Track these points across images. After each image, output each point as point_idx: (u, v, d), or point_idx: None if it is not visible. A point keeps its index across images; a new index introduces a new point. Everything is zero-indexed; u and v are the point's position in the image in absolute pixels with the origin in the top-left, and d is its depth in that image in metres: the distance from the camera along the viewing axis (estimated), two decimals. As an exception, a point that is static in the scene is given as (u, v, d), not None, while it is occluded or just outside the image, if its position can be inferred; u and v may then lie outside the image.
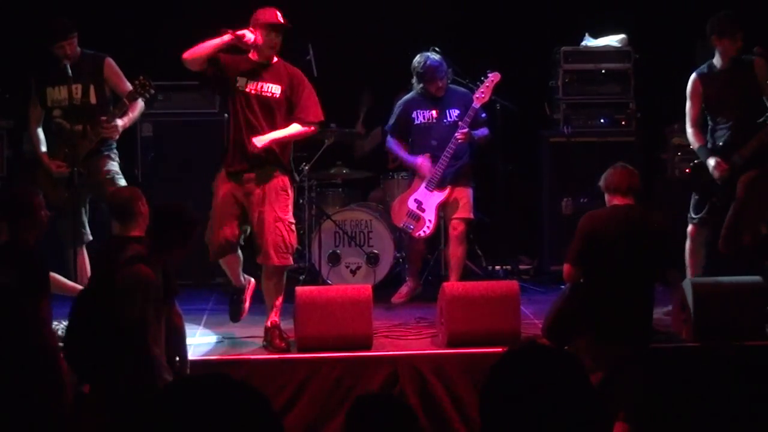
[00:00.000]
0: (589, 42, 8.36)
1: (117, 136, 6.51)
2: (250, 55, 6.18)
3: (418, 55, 7.30)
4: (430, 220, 7.26)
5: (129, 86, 6.39)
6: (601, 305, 5.36)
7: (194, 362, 5.59)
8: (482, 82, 7.14)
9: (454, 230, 7.27)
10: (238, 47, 6.13)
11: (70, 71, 6.36)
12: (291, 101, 6.17)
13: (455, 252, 7.25)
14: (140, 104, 6.57)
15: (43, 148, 6.57)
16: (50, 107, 6.55)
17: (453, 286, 6.22)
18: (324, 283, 7.46)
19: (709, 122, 6.72)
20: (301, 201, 8.05)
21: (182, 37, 8.78)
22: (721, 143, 6.55)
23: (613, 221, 5.49)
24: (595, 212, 5.63)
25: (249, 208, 6.09)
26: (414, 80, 7.42)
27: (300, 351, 5.84)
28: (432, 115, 7.34)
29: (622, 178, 5.62)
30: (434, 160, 7.22)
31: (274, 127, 6.10)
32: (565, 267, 5.58)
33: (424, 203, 7.26)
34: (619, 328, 5.34)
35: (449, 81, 7.38)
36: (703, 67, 6.69)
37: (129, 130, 7.21)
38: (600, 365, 5.08)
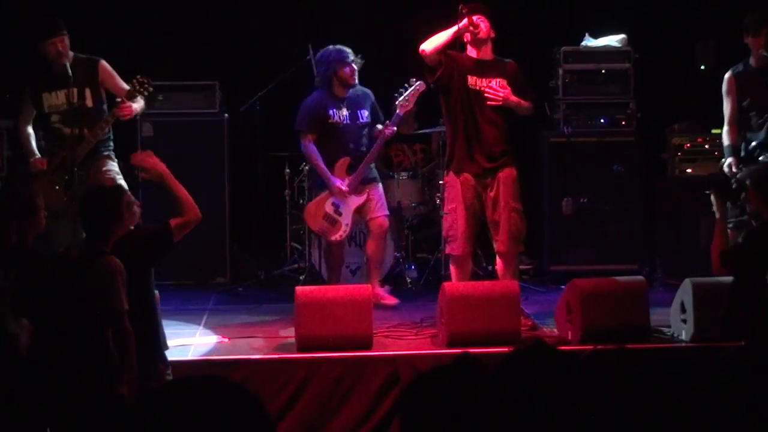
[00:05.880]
0: (589, 42, 8.36)
1: (130, 116, 6.45)
2: (469, 53, 6.45)
3: (320, 51, 7.16)
4: (346, 224, 7.14)
5: (125, 86, 6.40)
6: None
7: (194, 362, 5.60)
8: (405, 89, 6.95)
9: (380, 228, 7.20)
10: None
11: (70, 72, 6.36)
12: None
13: (377, 249, 7.21)
14: (141, 101, 6.58)
15: (33, 146, 6.56)
16: (47, 113, 6.52)
17: (453, 286, 6.21)
18: (324, 283, 7.45)
19: (744, 120, 6.55)
20: (301, 201, 8.04)
21: (182, 38, 8.79)
22: (755, 142, 6.44)
23: None
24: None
25: (485, 203, 6.46)
26: (319, 78, 7.22)
27: (300, 351, 5.84)
28: (345, 114, 7.16)
29: None
30: (355, 162, 7.09)
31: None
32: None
33: (341, 206, 7.13)
34: None
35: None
36: (738, 66, 6.61)
37: (129, 130, 7.21)
38: None
